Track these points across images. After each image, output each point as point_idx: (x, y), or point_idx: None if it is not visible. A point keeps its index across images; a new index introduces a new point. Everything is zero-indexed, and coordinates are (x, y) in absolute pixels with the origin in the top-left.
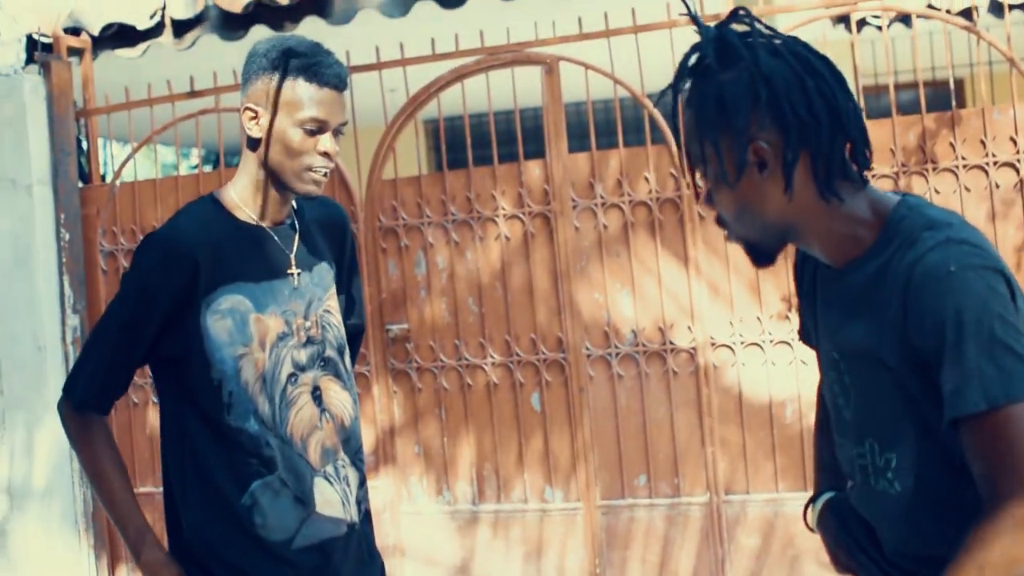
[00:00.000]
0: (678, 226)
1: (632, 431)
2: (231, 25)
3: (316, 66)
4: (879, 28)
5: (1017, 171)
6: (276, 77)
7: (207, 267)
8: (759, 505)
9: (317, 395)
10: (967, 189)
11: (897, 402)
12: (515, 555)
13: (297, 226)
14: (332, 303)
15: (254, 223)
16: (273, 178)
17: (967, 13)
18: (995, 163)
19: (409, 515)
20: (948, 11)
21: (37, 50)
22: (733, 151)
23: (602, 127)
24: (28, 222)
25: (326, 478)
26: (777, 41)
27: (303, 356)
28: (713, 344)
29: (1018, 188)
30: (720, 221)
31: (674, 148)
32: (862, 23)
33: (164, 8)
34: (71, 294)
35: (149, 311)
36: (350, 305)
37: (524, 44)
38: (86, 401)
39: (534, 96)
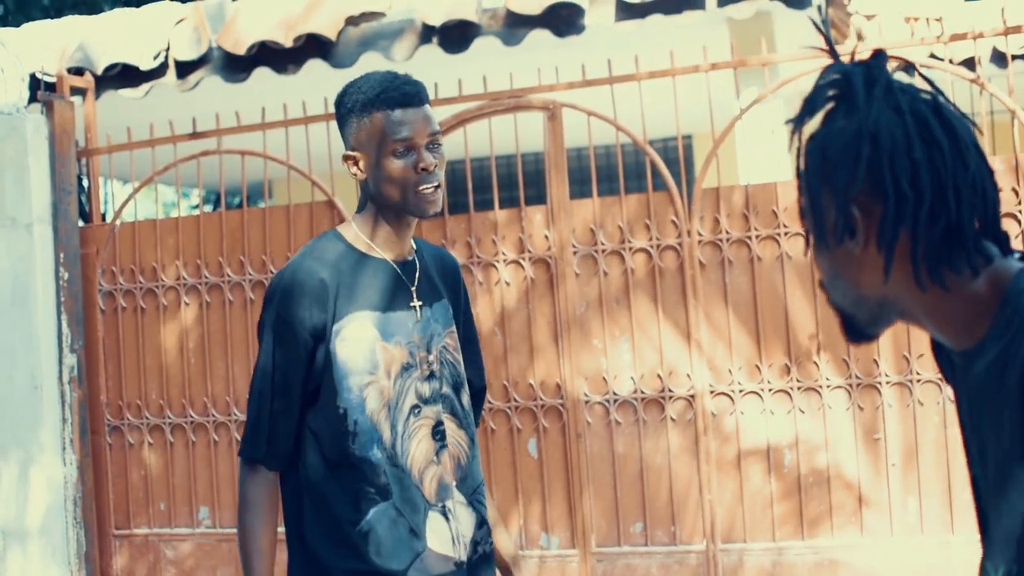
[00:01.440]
0: (678, 273)
1: (629, 478)
2: (234, 67)
3: (383, 92)
4: None
5: (1019, 222)
6: (355, 119)
7: (335, 295)
8: (756, 554)
9: (439, 430)
10: None
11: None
12: None
13: (418, 263)
14: (451, 340)
15: (377, 256)
16: (389, 211)
17: (970, 63)
18: None
19: None
20: (951, 61)
21: (40, 89)
22: (830, 211)
23: (604, 173)
24: (27, 261)
25: (441, 512)
26: (907, 95)
27: (426, 389)
28: (712, 392)
29: (1020, 239)
30: (822, 283)
31: (675, 195)
32: None
33: (168, 49)
34: (69, 333)
35: (296, 346)
36: (473, 363)
37: (527, 90)
38: (266, 459)
39: (536, 141)
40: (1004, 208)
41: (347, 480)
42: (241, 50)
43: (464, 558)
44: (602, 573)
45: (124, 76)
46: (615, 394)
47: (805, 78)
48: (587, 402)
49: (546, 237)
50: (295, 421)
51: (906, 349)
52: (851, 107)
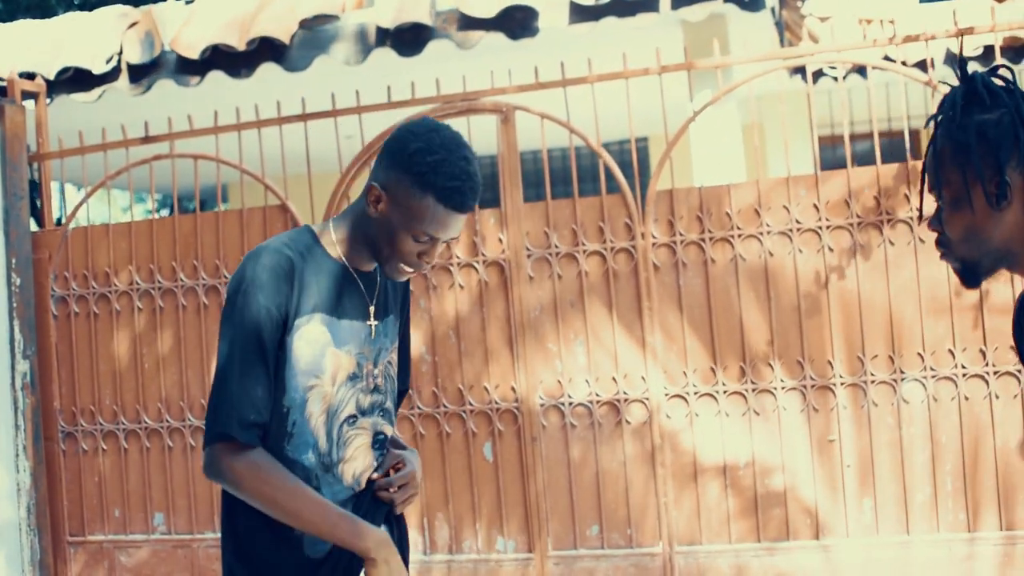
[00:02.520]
0: (632, 276)
1: (585, 481)
2: (187, 70)
3: (454, 192)
4: (835, 79)
5: None
6: (410, 182)
7: (299, 288)
8: (713, 556)
9: (380, 439)
10: (922, 240)
11: None
12: None
13: (378, 278)
14: (394, 356)
15: (343, 263)
16: (370, 247)
17: (922, 65)
18: None
19: None
20: (904, 63)
21: None
22: (985, 181)
23: (559, 176)
24: None
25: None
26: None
27: (366, 401)
28: (667, 394)
29: None
30: (941, 243)
31: (629, 197)
32: (818, 74)
33: (121, 53)
34: (21, 339)
35: (271, 323)
36: (402, 365)
37: (480, 93)
38: (252, 435)
39: (490, 144)
40: None
41: None
42: (194, 54)
43: None
44: None
45: (76, 80)
46: (570, 398)
47: (757, 80)
48: (542, 406)
49: (500, 240)
50: (270, 404)
51: (860, 351)
52: (994, 103)
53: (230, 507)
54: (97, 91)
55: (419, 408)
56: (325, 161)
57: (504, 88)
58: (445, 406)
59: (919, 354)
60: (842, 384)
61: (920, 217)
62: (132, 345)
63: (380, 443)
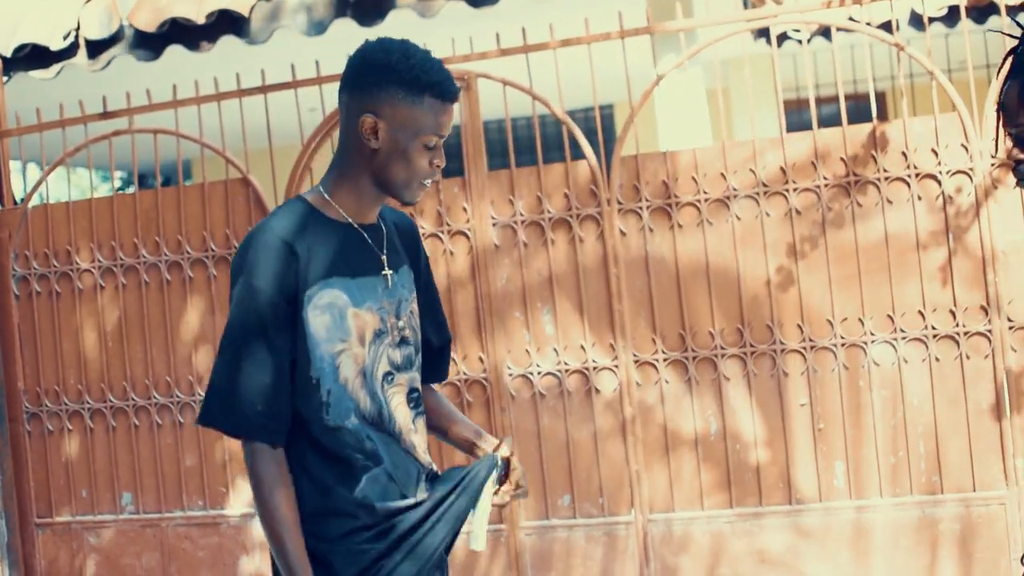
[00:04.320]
0: (599, 242)
1: (555, 451)
2: (146, 45)
3: (444, 83)
4: (800, 42)
5: (939, 183)
6: (405, 92)
7: (306, 260)
8: (685, 523)
9: (414, 396)
10: (889, 202)
11: None
12: None
13: (384, 229)
14: (415, 307)
15: (345, 221)
16: (379, 185)
17: (887, 26)
18: (917, 175)
19: None
20: (869, 24)
21: None
22: None
23: (525, 144)
24: None
25: (429, 478)
26: None
27: (398, 356)
28: (636, 361)
29: (940, 199)
30: (1022, 173)
31: (594, 163)
32: (783, 37)
33: (78, 29)
34: None
35: (271, 308)
36: (435, 320)
37: (442, 60)
38: (259, 425)
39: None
40: (923, 169)
41: (335, 449)
42: (152, 28)
43: None
44: (531, 547)
45: (34, 57)
46: (538, 367)
47: (721, 44)
48: (511, 376)
49: (464, 210)
50: (289, 393)
51: (829, 314)
52: None
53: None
54: (55, 68)
55: None
56: (287, 135)
57: (466, 56)
58: None
59: (889, 316)
60: (812, 348)
61: (996, 151)
62: (96, 323)
63: (415, 400)
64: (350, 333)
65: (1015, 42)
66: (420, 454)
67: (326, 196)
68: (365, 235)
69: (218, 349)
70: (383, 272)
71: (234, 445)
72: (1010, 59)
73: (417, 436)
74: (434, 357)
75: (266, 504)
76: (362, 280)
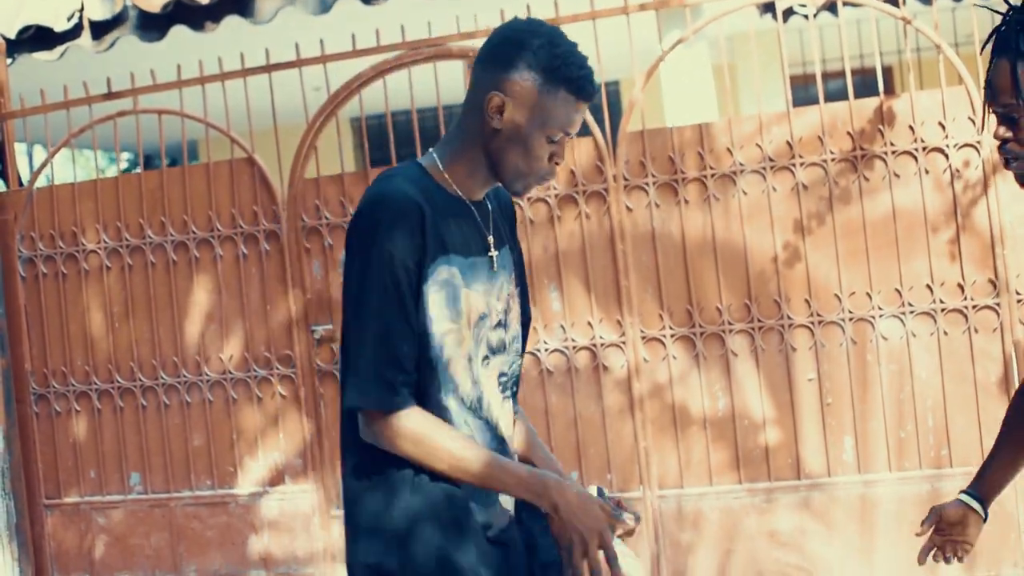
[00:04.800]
0: (605, 219)
1: (563, 428)
2: (150, 26)
3: (583, 80)
4: (806, 17)
5: (946, 156)
6: (541, 79)
7: (429, 232)
8: (694, 499)
9: (503, 380)
10: (896, 175)
11: None
12: None
13: (489, 207)
14: (513, 289)
15: (457, 196)
16: (492, 169)
17: (894, 0)
18: (924, 149)
19: (339, 519)
20: None
21: None
22: None
23: None
24: None
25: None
26: None
27: (495, 339)
28: (644, 337)
29: (947, 173)
30: (1010, 151)
31: (600, 139)
32: (789, 12)
33: (82, 10)
34: None
35: (407, 276)
36: (522, 296)
37: (446, 38)
38: (402, 396)
39: (458, 92)
40: (930, 143)
41: None
42: (156, 8)
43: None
44: None
45: (38, 38)
46: (546, 344)
47: (728, 20)
48: None
49: None
50: (415, 355)
51: (837, 288)
52: None
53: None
54: (59, 49)
55: None
56: (291, 114)
57: (471, 32)
58: None
59: (896, 290)
60: (820, 323)
61: (983, 126)
62: (102, 304)
63: (503, 384)
64: (461, 314)
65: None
66: (508, 443)
67: (440, 167)
68: (476, 213)
69: (353, 318)
70: (489, 253)
71: (244, 424)
72: (995, 36)
73: (504, 422)
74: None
75: (451, 452)
76: (472, 259)
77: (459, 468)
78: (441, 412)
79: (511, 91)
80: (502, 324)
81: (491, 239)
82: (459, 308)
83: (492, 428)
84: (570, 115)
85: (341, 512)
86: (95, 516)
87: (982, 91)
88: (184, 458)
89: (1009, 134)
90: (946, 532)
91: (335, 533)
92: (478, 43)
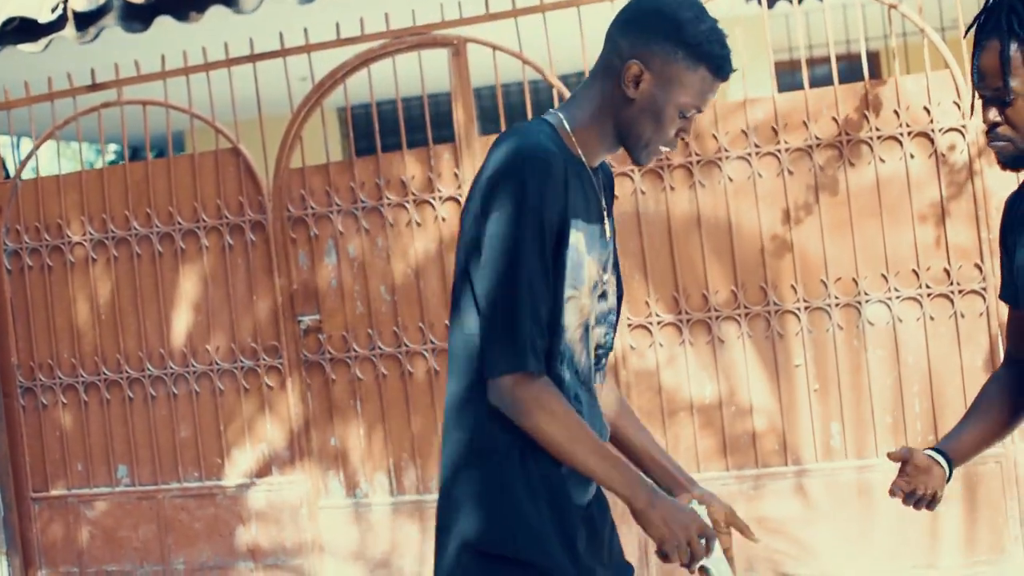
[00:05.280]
0: None
1: None
2: (134, 16)
3: (723, 59)
4: (791, 2)
5: (932, 140)
6: (684, 53)
7: (567, 194)
8: None
9: (599, 353)
10: (882, 160)
11: None
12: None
13: (600, 174)
14: (612, 258)
15: (581, 160)
16: (618, 136)
17: None
18: (910, 133)
19: (327, 510)
20: None
21: None
22: None
23: (518, 111)
24: None
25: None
26: None
27: (598, 309)
28: (630, 324)
29: (933, 157)
30: (997, 135)
31: None
32: None
33: (66, 1)
34: None
35: (551, 236)
36: (617, 273)
37: (430, 26)
38: (542, 362)
39: (443, 81)
40: (915, 127)
41: None
42: None
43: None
44: None
45: (22, 30)
46: None
47: (713, 5)
48: None
49: (455, 175)
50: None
51: (822, 274)
52: None
53: (489, 452)
54: (44, 41)
55: (381, 348)
56: (277, 104)
57: (455, 20)
58: (407, 345)
59: (882, 275)
60: (806, 308)
61: (971, 110)
62: (88, 296)
63: (598, 357)
64: (583, 282)
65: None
66: (605, 413)
67: (568, 127)
68: (594, 180)
69: (500, 277)
70: (603, 220)
71: (231, 415)
72: (983, 18)
73: (599, 395)
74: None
75: (577, 430)
76: (592, 226)
77: (571, 452)
78: (559, 383)
79: (651, 62)
80: (605, 296)
81: (604, 207)
82: (581, 275)
83: (596, 402)
84: (705, 92)
85: (330, 502)
86: (83, 509)
87: (969, 76)
88: (171, 450)
89: (999, 118)
90: (911, 477)
91: (323, 524)
92: (463, 31)
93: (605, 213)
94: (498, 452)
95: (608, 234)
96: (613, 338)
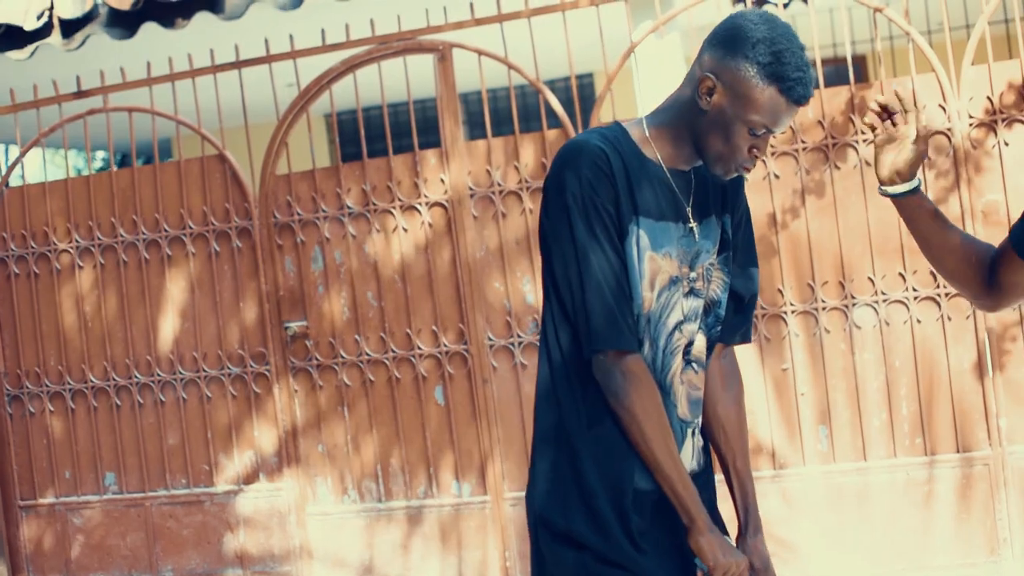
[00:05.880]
0: None
1: None
2: (121, 23)
3: (796, 83)
4: (777, 5)
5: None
6: (754, 71)
7: (620, 184)
8: None
9: (688, 349)
10: (868, 164)
11: None
12: (424, 551)
13: (693, 178)
14: (715, 261)
15: (658, 162)
16: (693, 145)
17: None
18: None
19: (315, 516)
20: None
21: None
22: None
23: (504, 116)
24: None
25: (691, 431)
26: None
27: (687, 307)
28: None
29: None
30: None
31: (571, 132)
32: (761, 2)
33: (52, 8)
34: None
35: (611, 219)
36: (746, 270)
37: (416, 32)
38: (632, 341)
39: (429, 87)
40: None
41: None
42: (127, 5)
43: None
44: (516, 518)
45: (8, 37)
46: (519, 337)
47: (700, 11)
48: (492, 346)
49: (442, 181)
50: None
51: (810, 278)
52: None
53: (567, 425)
54: (30, 48)
55: (368, 354)
56: (263, 110)
57: (440, 26)
58: (394, 351)
59: (869, 278)
60: (793, 312)
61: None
62: (75, 304)
63: (688, 352)
64: (643, 276)
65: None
66: (681, 409)
67: (646, 133)
68: (673, 181)
69: (568, 265)
70: (688, 224)
71: (218, 422)
72: None
73: (682, 388)
74: (740, 310)
75: (658, 420)
76: (664, 224)
77: (649, 440)
78: None
79: (724, 77)
80: (695, 293)
81: (689, 209)
82: (641, 269)
83: (669, 396)
84: (777, 114)
85: (318, 509)
86: (71, 517)
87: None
88: (159, 457)
89: None
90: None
91: (311, 530)
92: (448, 36)
93: (691, 213)
94: (572, 434)
95: (699, 235)
96: (712, 337)
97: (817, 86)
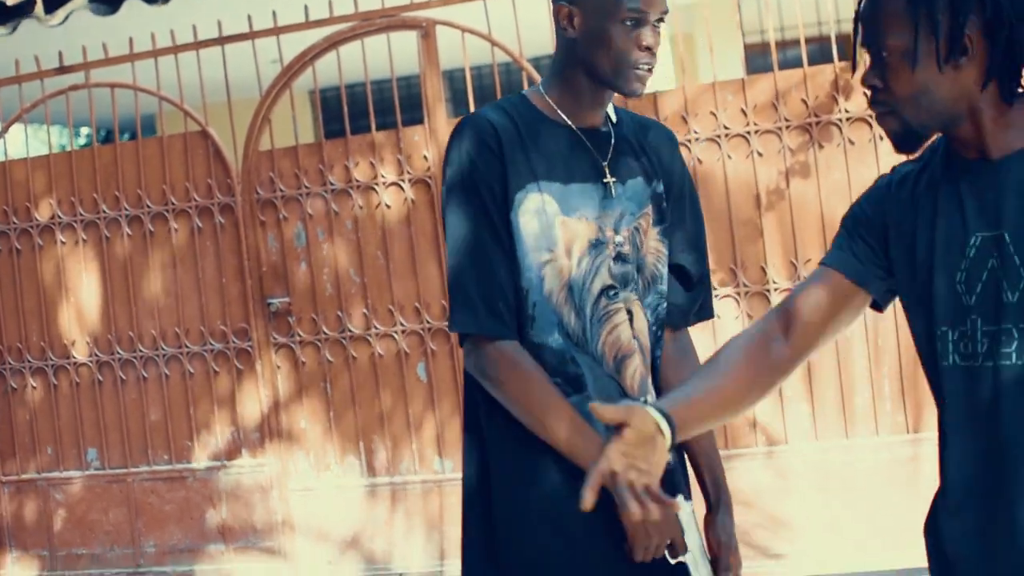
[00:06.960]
0: None
1: None
2: None
3: None
4: None
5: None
6: None
7: (513, 157)
8: None
9: (630, 317)
10: (851, 142)
11: None
12: (406, 527)
13: (613, 135)
14: (644, 224)
15: (565, 124)
16: (592, 78)
17: None
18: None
19: (298, 492)
20: None
21: None
22: (946, 32)
23: (488, 93)
24: None
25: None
26: None
27: (615, 271)
28: None
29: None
30: (880, 102)
31: None
32: None
33: None
34: None
35: (494, 199)
36: (691, 244)
37: (399, 8)
38: (502, 324)
39: (412, 64)
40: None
41: None
42: None
43: None
44: None
45: None
46: None
47: None
48: None
49: (425, 157)
50: (511, 288)
51: (793, 256)
52: None
53: (480, 415)
54: (11, 24)
55: (350, 331)
56: (246, 87)
57: (424, 3)
58: (376, 327)
59: None
60: (776, 290)
61: (853, 70)
62: (57, 280)
63: (631, 322)
64: (557, 243)
65: None
66: (627, 382)
67: (544, 95)
68: (585, 139)
69: (449, 243)
70: (603, 178)
71: (201, 398)
72: None
73: (635, 360)
74: (690, 290)
75: (544, 395)
76: (577, 186)
77: (536, 416)
78: (537, 350)
79: None
80: (623, 258)
81: (606, 166)
82: (553, 236)
83: (601, 367)
84: None
85: (300, 484)
86: (52, 492)
87: (853, 28)
88: (141, 433)
89: (879, 82)
90: (630, 448)
91: (293, 505)
92: (432, 13)
93: (607, 170)
94: (475, 427)
95: (619, 194)
96: (663, 308)
97: (801, 64)
